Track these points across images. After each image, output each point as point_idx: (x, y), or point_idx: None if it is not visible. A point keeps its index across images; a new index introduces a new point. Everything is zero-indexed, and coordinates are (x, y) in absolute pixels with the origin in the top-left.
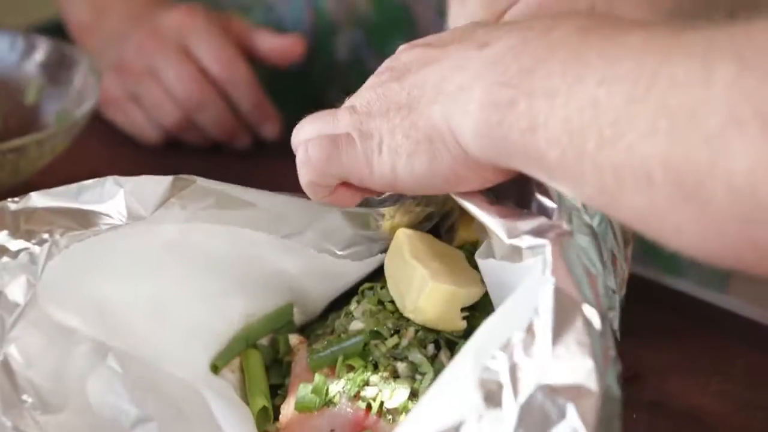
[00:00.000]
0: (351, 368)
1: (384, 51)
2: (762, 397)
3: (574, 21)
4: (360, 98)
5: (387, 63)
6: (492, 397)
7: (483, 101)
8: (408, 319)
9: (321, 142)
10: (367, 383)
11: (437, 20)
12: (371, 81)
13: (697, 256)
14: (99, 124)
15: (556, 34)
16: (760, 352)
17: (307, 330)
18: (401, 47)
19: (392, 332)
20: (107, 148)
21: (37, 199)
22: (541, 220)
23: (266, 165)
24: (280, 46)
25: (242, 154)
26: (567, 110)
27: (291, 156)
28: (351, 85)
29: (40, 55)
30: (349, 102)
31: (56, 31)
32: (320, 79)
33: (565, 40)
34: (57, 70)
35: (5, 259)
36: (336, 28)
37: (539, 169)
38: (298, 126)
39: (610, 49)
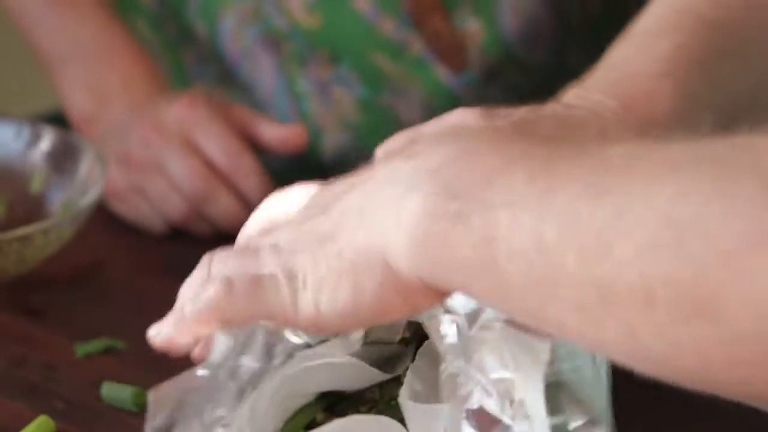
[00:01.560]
0: None
1: (371, 151)
2: None
3: (539, 131)
4: (284, 234)
5: (314, 198)
6: None
7: (420, 213)
8: None
9: (245, 279)
10: None
11: (422, 123)
12: (297, 216)
13: (689, 380)
14: (104, 213)
15: (516, 145)
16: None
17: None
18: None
19: None
20: (112, 237)
21: None
22: None
23: None
24: (282, 135)
25: None
26: (538, 222)
27: None
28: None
29: (45, 144)
30: (272, 239)
31: (62, 120)
32: (306, 178)
33: (527, 150)
34: (62, 159)
35: None
36: (322, 131)
37: (490, 284)
38: (215, 258)
39: (591, 159)
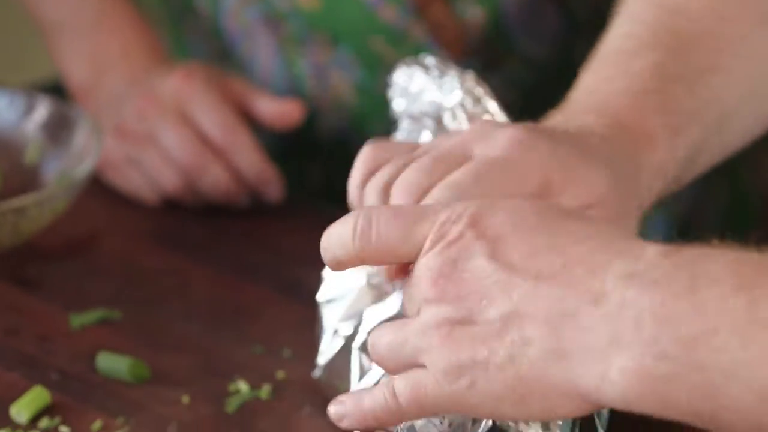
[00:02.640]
0: None
1: (366, 135)
2: None
3: (720, 268)
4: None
5: (439, 289)
6: None
7: (631, 372)
8: None
9: (417, 386)
10: None
11: None
12: (436, 316)
13: None
14: (99, 184)
15: (707, 292)
16: None
17: None
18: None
19: None
20: (107, 209)
21: None
22: None
23: (267, 225)
24: (279, 110)
25: (243, 214)
26: (760, 384)
27: (291, 216)
28: (333, 165)
29: (40, 114)
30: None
31: (57, 90)
32: (302, 156)
33: (723, 302)
34: (57, 129)
35: None
36: (318, 113)
37: (706, 423)
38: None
39: None
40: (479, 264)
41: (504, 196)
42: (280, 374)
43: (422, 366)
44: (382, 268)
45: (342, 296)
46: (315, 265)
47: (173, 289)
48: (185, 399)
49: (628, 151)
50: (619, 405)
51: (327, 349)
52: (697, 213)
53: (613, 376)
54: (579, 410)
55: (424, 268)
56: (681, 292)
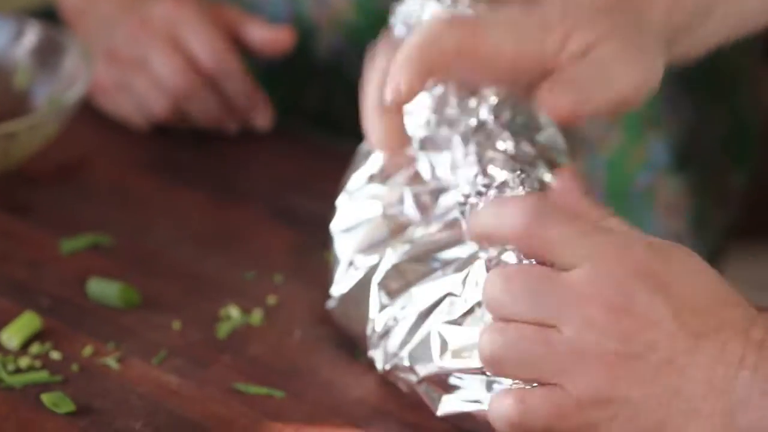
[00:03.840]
0: None
1: (364, 53)
2: None
3: None
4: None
5: (614, 292)
6: None
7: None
8: None
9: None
10: None
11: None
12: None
13: None
14: (89, 110)
15: None
16: None
17: None
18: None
19: None
20: (98, 134)
21: None
22: None
23: (257, 151)
24: (270, 37)
25: (233, 140)
26: None
27: (284, 141)
28: (330, 86)
29: (30, 39)
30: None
31: (47, 15)
32: (299, 79)
33: None
34: (47, 54)
35: None
36: (316, 31)
37: None
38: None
39: None
40: (656, 307)
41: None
42: (271, 299)
43: (555, 384)
44: (397, 198)
45: (357, 226)
46: (307, 190)
47: (164, 214)
48: (176, 324)
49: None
50: None
51: (342, 280)
52: (696, 140)
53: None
54: None
55: (594, 287)
56: None
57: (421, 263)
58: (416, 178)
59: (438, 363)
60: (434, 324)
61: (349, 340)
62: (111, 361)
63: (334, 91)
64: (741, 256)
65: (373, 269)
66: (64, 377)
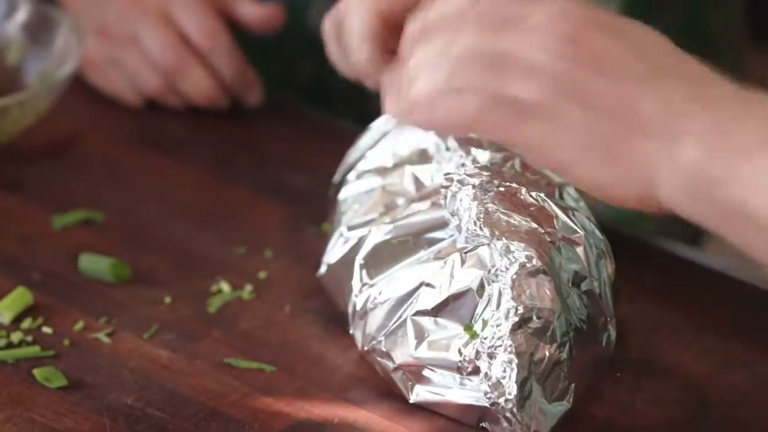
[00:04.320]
0: None
1: None
2: (748, 354)
3: None
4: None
5: (562, 26)
6: None
7: (695, 167)
8: None
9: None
10: None
11: None
12: (550, 48)
13: None
14: (81, 85)
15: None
16: (744, 309)
17: None
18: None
19: None
20: (89, 109)
21: None
22: None
23: (248, 127)
24: (261, 14)
25: (224, 116)
26: None
27: (275, 118)
28: (323, 56)
29: (21, 15)
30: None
31: None
32: (292, 50)
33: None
34: (39, 30)
35: None
36: (308, 4)
37: (740, 242)
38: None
39: None
40: (613, 45)
41: None
42: (262, 274)
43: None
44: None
45: (356, 199)
46: (298, 166)
47: (155, 190)
48: (167, 299)
49: None
50: (669, 193)
51: (332, 251)
52: None
53: (676, 163)
54: (632, 193)
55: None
56: (749, 116)
57: (404, 244)
58: (423, 156)
59: (413, 353)
60: (410, 312)
61: (339, 315)
62: (102, 336)
63: (325, 65)
64: None
65: (359, 245)
66: (55, 352)
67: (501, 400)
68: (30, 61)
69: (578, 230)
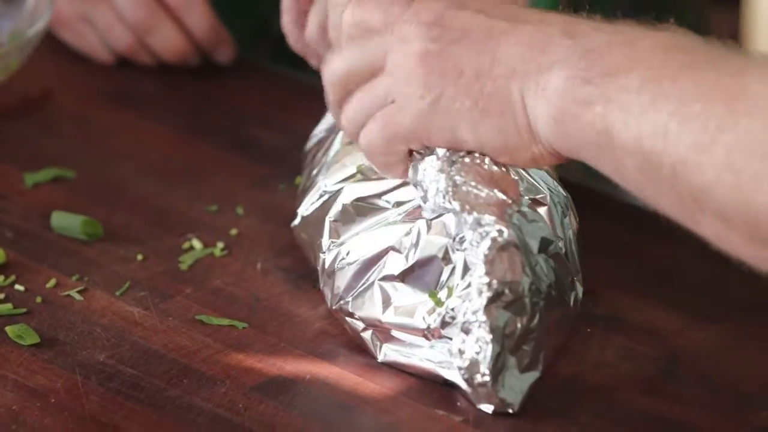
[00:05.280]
0: None
1: None
2: (717, 309)
3: (660, 37)
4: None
5: (425, 16)
6: None
7: (562, 91)
8: None
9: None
10: None
11: None
12: (418, 35)
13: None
14: (52, 43)
15: (641, 44)
16: (713, 265)
17: None
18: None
19: None
20: (61, 67)
21: None
22: None
23: (220, 84)
24: None
25: (197, 73)
26: (639, 130)
27: (246, 75)
28: None
29: None
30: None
31: None
32: (264, 4)
33: (648, 56)
34: None
35: None
36: None
37: (613, 169)
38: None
39: (684, 81)
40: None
41: None
42: (233, 231)
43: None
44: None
45: (334, 157)
46: (269, 123)
47: (127, 148)
48: (139, 257)
49: None
50: (543, 129)
51: (308, 203)
52: None
53: (546, 92)
54: (520, 142)
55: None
56: (624, 41)
57: (373, 203)
58: None
59: (380, 317)
60: (377, 276)
61: (310, 272)
62: (74, 294)
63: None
64: None
65: (330, 202)
66: (28, 309)
67: (476, 377)
68: (1, 20)
69: (543, 190)
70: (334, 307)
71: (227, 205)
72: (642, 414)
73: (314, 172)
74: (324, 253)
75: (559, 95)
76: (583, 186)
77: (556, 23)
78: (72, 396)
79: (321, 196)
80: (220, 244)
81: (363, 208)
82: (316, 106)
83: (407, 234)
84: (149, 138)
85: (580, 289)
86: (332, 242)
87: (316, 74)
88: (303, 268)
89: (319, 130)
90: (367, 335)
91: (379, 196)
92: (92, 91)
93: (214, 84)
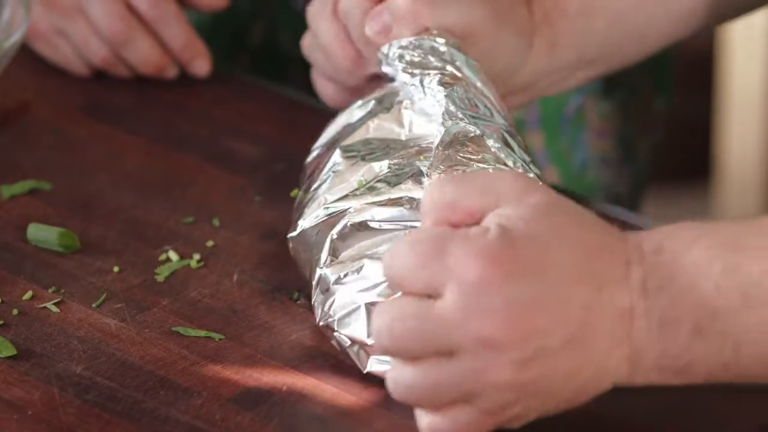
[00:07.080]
0: None
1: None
2: None
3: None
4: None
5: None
6: None
7: (659, 365)
8: None
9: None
10: None
11: None
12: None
13: None
14: (28, 55)
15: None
16: None
17: None
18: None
19: None
20: (37, 79)
21: None
22: None
23: (195, 96)
24: None
25: (174, 85)
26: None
27: (219, 87)
28: (276, 21)
29: None
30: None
31: None
32: (245, 14)
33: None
34: None
35: None
36: None
37: None
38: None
39: None
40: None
41: None
42: (210, 243)
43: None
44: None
45: (338, 173)
46: (245, 134)
47: (103, 159)
48: (116, 269)
49: None
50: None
51: (310, 216)
52: None
53: (640, 378)
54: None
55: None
56: (683, 290)
57: (378, 227)
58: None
59: (365, 340)
60: (367, 299)
61: (286, 284)
62: (51, 306)
63: (278, 25)
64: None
65: (335, 220)
66: (4, 321)
67: None
68: None
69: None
70: (321, 323)
71: (203, 217)
72: (630, 409)
73: (315, 185)
74: (321, 268)
75: (656, 369)
76: (557, 189)
77: (621, 293)
78: (49, 408)
79: (325, 210)
80: (197, 256)
81: (367, 232)
82: (293, 118)
83: None
84: (125, 150)
85: None
86: (332, 259)
87: (292, 86)
88: (279, 280)
89: (320, 144)
90: (353, 350)
91: (385, 220)
92: (68, 104)
93: (191, 95)
